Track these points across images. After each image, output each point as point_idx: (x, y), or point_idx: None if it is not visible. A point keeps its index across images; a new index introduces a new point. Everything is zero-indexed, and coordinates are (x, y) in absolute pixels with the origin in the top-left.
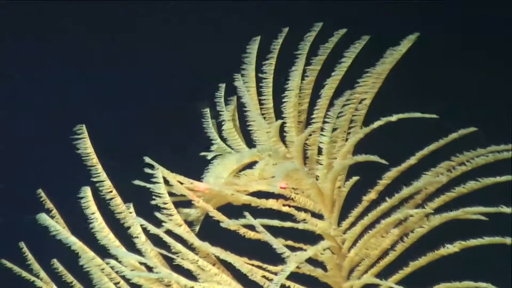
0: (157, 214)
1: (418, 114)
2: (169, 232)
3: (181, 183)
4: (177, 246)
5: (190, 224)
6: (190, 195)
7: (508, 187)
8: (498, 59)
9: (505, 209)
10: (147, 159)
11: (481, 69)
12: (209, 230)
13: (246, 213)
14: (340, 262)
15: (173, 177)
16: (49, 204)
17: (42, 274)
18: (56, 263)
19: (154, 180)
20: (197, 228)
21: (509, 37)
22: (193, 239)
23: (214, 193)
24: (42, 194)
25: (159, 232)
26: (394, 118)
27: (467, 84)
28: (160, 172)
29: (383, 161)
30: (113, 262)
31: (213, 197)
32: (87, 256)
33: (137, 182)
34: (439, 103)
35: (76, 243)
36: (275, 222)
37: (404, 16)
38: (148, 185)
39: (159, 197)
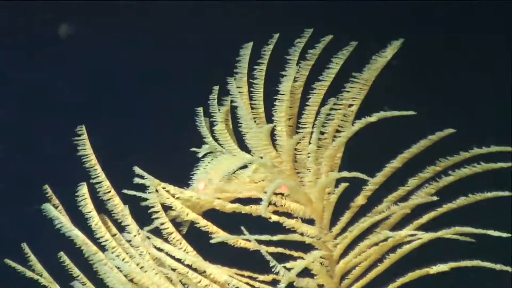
0: (148, 233)
1: (396, 113)
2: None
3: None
4: (167, 260)
5: (178, 225)
6: (179, 208)
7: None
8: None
9: (493, 232)
10: (138, 170)
11: (480, 69)
12: (200, 232)
13: (243, 228)
14: (331, 268)
15: (163, 187)
16: (55, 200)
17: (45, 274)
18: (63, 255)
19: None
20: (185, 229)
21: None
22: (182, 254)
23: (203, 202)
24: (49, 190)
25: (150, 247)
26: (373, 118)
27: (466, 85)
28: (151, 182)
29: (368, 178)
30: (107, 267)
31: (202, 205)
32: (90, 250)
33: (125, 191)
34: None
35: (79, 236)
36: (266, 237)
37: (397, 17)
38: (139, 194)
39: (152, 207)
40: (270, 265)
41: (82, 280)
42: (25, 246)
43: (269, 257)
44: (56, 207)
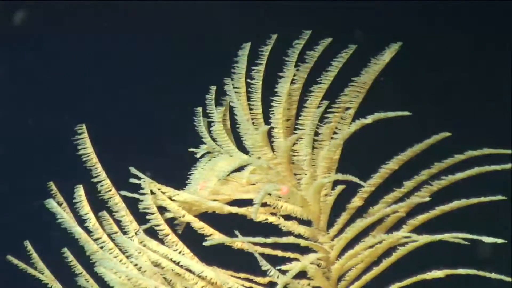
0: (144, 236)
1: (391, 114)
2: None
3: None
4: (164, 262)
5: (174, 225)
6: (175, 210)
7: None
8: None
9: (487, 239)
10: (134, 170)
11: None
12: (198, 233)
13: (237, 232)
14: (328, 269)
15: (158, 189)
16: (59, 197)
17: (47, 272)
18: (66, 251)
19: (142, 192)
20: (181, 229)
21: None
22: (178, 256)
23: (199, 204)
24: (53, 187)
25: (145, 250)
26: (368, 120)
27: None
28: (146, 183)
29: (361, 182)
30: (102, 269)
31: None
32: (91, 248)
33: (123, 193)
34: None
35: (81, 234)
36: (260, 239)
37: (397, 18)
38: (134, 195)
39: (147, 208)
40: (266, 267)
41: (85, 277)
42: (27, 243)
43: (263, 262)
44: (60, 204)
